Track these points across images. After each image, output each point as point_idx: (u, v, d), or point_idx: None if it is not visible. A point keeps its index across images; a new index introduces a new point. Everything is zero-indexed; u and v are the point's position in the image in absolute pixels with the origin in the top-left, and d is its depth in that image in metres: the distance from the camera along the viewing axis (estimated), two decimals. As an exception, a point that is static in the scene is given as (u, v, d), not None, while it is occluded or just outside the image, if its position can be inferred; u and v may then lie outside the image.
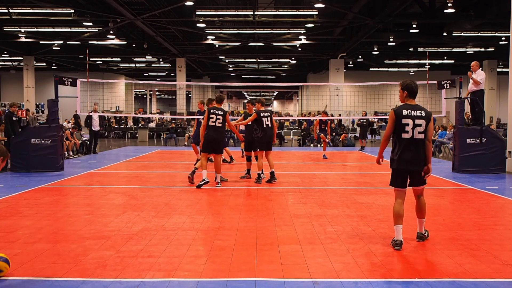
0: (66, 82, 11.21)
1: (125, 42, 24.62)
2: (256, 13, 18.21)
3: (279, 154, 15.51)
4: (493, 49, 25.80)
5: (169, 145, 20.48)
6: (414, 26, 19.36)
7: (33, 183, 8.87)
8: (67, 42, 24.30)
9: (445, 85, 11.56)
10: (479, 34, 21.94)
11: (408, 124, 4.61)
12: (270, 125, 9.11)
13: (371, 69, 34.03)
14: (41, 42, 25.05)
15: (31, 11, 18.34)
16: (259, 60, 32.50)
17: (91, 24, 20.74)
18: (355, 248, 4.66)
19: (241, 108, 64.18)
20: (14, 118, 11.37)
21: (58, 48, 26.34)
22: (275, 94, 63.75)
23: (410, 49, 25.43)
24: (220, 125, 8.50)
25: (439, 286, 3.67)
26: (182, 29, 22.31)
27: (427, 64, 25.24)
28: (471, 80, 11.16)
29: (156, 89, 50.93)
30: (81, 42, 24.35)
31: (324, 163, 13.22)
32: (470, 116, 12.58)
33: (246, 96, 65.17)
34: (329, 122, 14.56)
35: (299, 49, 26.49)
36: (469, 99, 11.31)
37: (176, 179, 9.81)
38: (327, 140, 14.72)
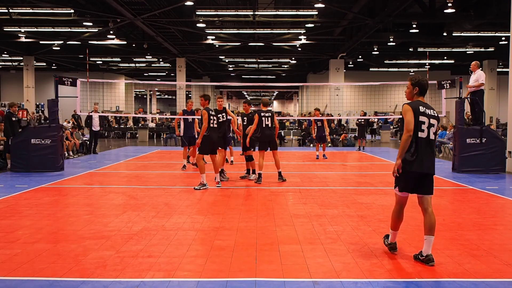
0: (66, 82, 11.21)
1: (125, 42, 24.61)
2: (256, 13, 18.20)
3: (279, 154, 15.50)
4: (493, 49, 25.79)
5: (169, 145, 20.48)
6: (414, 26, 19.35)
7: (33, 183, 8.87)
8: (67, 42, 24.29)
9: (445, 85, 11.56)
10: (479, 34, 21.93)
11: (424, 122, 4.21)
12: (270, 125, 9.14)
13: (371, 69, 34.02)
14: (41, 42, 25.04)
15: (31, 11, 18.33)
16: (259, 60, 32.49)
17: (91, 24, 20.73)
18: (355, 248, 4.66)
19: (241, 108, 64.20)
20: (14, 119, 11.37)
21: (58, 48, 26.33)
22: (275, 94, 63.74)
23: (410, 49, 25.42)
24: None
25: (439, 286, 3.68)
26: (182, 29, 22.30)
27: (427, 64, 25.24)
28: (471, 79, 11.17)
29: (156, 89, 50.91)
30: (81, 42, 24.34)
31: (324, 163, 13.22)
32: (471, 116, 12.59)
33: (246, 96, 65.16)
34: (325, 120, 14.57)
35: (299, 49, 26.48)
36: (469, 99, 11.32)
37: (176, 179, 9.81)
38: (325, 145, 14.78)
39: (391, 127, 28.23)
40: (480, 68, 11.30)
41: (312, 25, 20.67)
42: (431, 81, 12.48)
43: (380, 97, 28.64)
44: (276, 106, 70.77)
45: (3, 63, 34.53)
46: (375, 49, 25.21)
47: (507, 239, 5.12)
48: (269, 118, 9.12)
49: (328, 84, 26.83)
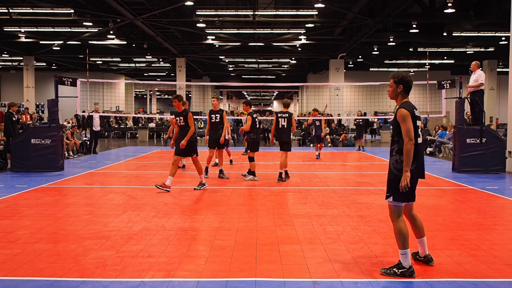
0: (66, 82, 11.21)
1: (125, 42, 24.61)
2: (256, 13, 18.20)
3: (279, 154, 15.50)
4: (493, 49, 25.79)
5: (169, 145, 20.46)
6: (414, 26, 19.35)
7: (33, 183, 8.87)
8: (67, 42, 24.29)
9: (445, 85, 11.56)
10: (479, 34, 21.93)
11: (419, 127, 3.96)
12: (286, 126, 9.32)
13: (371, 69, 34.02)
14: (41, 42, 25.04)
15: (31, 11, 18.32)
16: (259, 60, 32.48)
17: (91, 24, 20.73)
18: (355, 248, 4.66)
19: (241, 108, 64.21)
20: (14, 118, 11.37)
21: (58, 48, 26.33)
22: (275, 94, 63.73)
23: (410, 49, 25.42)
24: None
25: (439, 286, 3.67)
26: (182, 29, 22.30)
27: (427, 64, 25.24)
28: (471, 79, 11.18)
29: (156, 89, 50.90)
30: (81, 42, 24.34)
31: (324, 163, 13.23)
32: (471, 116, 12.60)
33: (246, 96, 65.15)
34: (323, 120, 14.61)
35: (299, 49, 26.48)
36: (469, 99, 11.33)
37: (176, 179, 9.80)
38: (323, 144, 14.84)
39: (391, 127, 28.22)
40: (480, 68, 11.30)
41: (312, 25, 20.67)
42: (431, 81, 12.57)
43: (380, 97, 28.59)
44: (276, 106, 70.80)
45: (3, 63, 34.52)
46: (375, 49, 25.20)
47: (507, 239, 5.12)
48: (286, 119, 9.29)
49: (328, 84, 26.83)
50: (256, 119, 9.62)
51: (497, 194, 7.88)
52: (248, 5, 18.69)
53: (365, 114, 27.37)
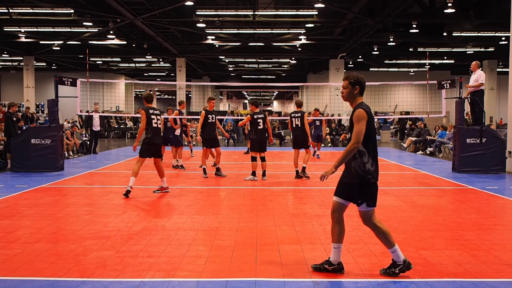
0: (66, 82, 11.21)
1: (125, 42, 24.60)
2: (256, 13, 18.19)
3: (279, 154, 15.51)
4: (493, 49, 25.78)
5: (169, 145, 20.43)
6: (414, 26, 19.34)
7: (33, 183, 8.87)
8: (67, 42, 24.28)
9: (445, 85, 11.56)
10: (479, 34, 21.92)
11: (375, 128, 3.88)
12: (300, 125, 9.60)
13: (371, 69, 34.01)
14: (41, 42, 25.02)
15: (31, 11, 18.31)
16: (259, 60, 32.47)
17: (91, 24, 20.72)
18: (355, 248, 4.66)
19: (241, 108, 64.19)
20: (14, 118, 11.37)
21: (58, 48, 26.32)
22: (275, 94, 63.72)
23: (410, 49, 25.41)
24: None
25: (439, 286, 3.67)
26: (182, 29, 22.29)
27: (427, 64, 25.23)
28: (471, 79, 11.19)
29: (156, 89, 50.90)
30: (81, 42, 24.33)
31: (324, 163, 13.22)
32: (471, 116, 12.61)
33: (246, 96, 65.14)
34: (324, 120, 14.64)
35: (299, 49, 26.47)
36: (469, 99, 11.33)
37: (176, 179, 9.81)
38: (321, 144, 14.92)
39: (391, 127, 28.24)
40: (480, 68, 11.31)
41: (312, 25, 20.66)
42: (431, 81, 12.56)
43: (380, 97, 28.60)
44: (276, 106, 70.81)
45: (3, 63, 34.52)
46: (375, 49, 25.19)
47: (507, 239, 5.12)
48: (299, 119, 9.60)
49: (328, 84, 26.82)
50: (258, 119, 9.51)
51: (497, 194, 7.88)
52: (248, 5, 18.68)
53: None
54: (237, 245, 4.77)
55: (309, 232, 5.30)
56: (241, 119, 13.38)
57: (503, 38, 22.20)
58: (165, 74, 40.42)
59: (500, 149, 10.78)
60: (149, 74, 41.11)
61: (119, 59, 32.16)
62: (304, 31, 21.33)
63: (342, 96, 4.01)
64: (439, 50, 26.90)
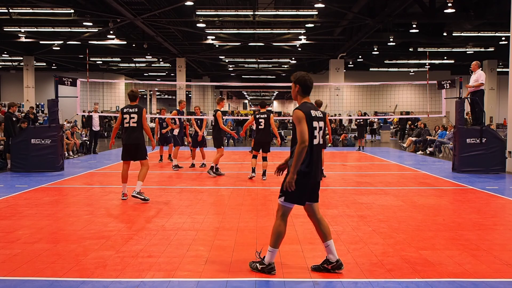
0: (66, 82, 11.21)
1: (125, 42, 24.60)
2: (256, 13, 18.19)
3: (279, 154, 15.51)
4: (493, 49, 25.78)
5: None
6: (414, 26, 19.35)
7: (33, 183, 8.87)
8: (67, 42, 24.28)
9: (445, 85, 11.56)
10: (479, 34, 21.92)
11: (316, 128, 3.83)
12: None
13: (371, 69, 34.02)
14: (41, 42, 25.02)
15: (31, 11, 18.31)
16: (259, 60, 32.46)
17: (91, 24, 20.72)
18: (355, 248, 4.66)
19: (241, 108, 64.18)
20: (14, 118, 11.37)
21: (58, 48, 26.32)
22: (275, 94, 63.71)
23: (410, 49, 25.41)
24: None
25: (439, 286, 3.67)
26: (182, 29, 22.29)
27: (427, 64, 25.23)
28: (471, 79, 11.19)
29: (156, 89, 50.86)
30: (81, 42, 24.33)
31: (324, 163, 13.20)
32: (471, 116, 12.61)
33: (246, 96, 65.12)
34: (327, 120, 14.65)
35: (299, 49, 26.47)
36: (469, 99, 11.33)
37: (176, 179, 9.82)
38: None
39: (391, 127, 28.23)
40: (480, 68, 11.31)
41: (312, 25, 20.66)
42: (431, 81, 12.56)
43: (380, 97, 28.60)
44: (276, 106, 70.78)
45: (3, 63, 34.51)
46: (375, 49, 25.20)
47: (507, 239, 5.12)
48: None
49: (328, 84, 26.82)
50: (260, 119, 9.52)
51: (497, 194, 7.88)
52: (248, 5, 18.68)
53: (365, 114, 27.38)
54: (237, 245, 4.77)
55: (309, 232, 5.30)
56: (245, 119, 13.39)
57: (503, 38, 22.20)
58: (165, 74, 40.42)
59: (500, 149, 10.78)
60: (149, 74, 41.11)
61: (119, 59, 32.15)
62: (304, 31, 21.33)
63: (292, 95, 4.03)
64: (439, 50, 26.90)
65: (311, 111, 3.83)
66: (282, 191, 3.86)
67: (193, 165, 11.67)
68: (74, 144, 14.88)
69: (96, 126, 15.76)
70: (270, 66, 35.65)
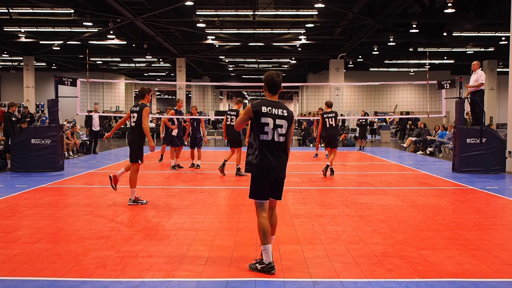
0: (66, 82, 11.21)
1: (125, 42, 24.60)
2: (256, 13, 18.19)
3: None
4: (493, 49, 25.78)
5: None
6: (414, 26, 19.34)
7: (33, 183, 8.87)
8: (67, 42, 24.28)
9: (445, 85, 11.56)
10: (479, 34, 21.92)
11: (268, 124, 3.90)
12: (334, 125, 10.17)
13: (371, 69, 34.02)
14: (41, 42, 25.02)
15: (31, 11, 18.31)
16: (259, 60, 32.46)
17: (91, 24, 20.72)
18: (355, 248, 4.65)
19: (242, 109, 64.04)
20: (13, 118, 11.37)
21: (58, 48, 26.31)
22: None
23: (410, 49, 25.41)
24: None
25: (439, 286, 3.67)
26: (182, 29, 22.29)
27: (427, 64, 25.23)
28: (471, 79, 11.19)
29: (156, 89, 50.88)
30: (81, 42, 24.32)
31: (324, 163, 13.20)
32: (471, 116, 12.60)
33: (246, 96, 65.08)
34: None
35: (299, 49, 26.47)
36: (469, 99, 11.33)
37: (176, 179, 9.82)
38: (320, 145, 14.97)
39: (391, 127, 28.23)
40: (481, 68, 11.32)
41: (312, 25, 20.65)
42: (431, 81, 12.56)
43: (380, 97, 28.60)
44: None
45: (3, 63, 34.51)
46: (375, 49, 25.19)
47: (507, 239, 5.12)
48: (333, 119, 10.10)
49: (328, 84, 26.82)
50: None
51: (497, 194, 7.88)
52: (248, 5, 18.68)
53: (366, 114, 27.36)
54: (237, 245, 4.77)
55: (309, 232, 5.30)
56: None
57: (503, 38, 22.19)
58: (165, 74, 40.41)
59: (500, 149, 10.78)
60: (149, 74, 41.11)
61: (119, 59, 32.15)
62: (304, 31, 21.33)
63: None
64: (439, 50, 26.90)
65: (263, 107, 3.94)
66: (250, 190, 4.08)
67: (193, 165, 11.67)
68: (74, 144, 14.88)
69: (96, 126, 15.76)
70: (270, 66, 35.63)
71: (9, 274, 3.85)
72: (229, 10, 18.63)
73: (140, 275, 3.85)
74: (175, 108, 11.87)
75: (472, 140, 10.62)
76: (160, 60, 31.89)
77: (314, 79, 35.64)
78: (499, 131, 15.80)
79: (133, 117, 6.93)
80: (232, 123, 10.24)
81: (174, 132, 11.55)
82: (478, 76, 11.04)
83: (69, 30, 21.90)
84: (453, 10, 16.22)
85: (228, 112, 10.53)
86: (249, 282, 3.72)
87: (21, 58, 29.74)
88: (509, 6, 11.04)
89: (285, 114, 3.98)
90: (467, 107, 12.22)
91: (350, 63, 31.69)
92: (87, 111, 15.84)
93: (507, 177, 10.19)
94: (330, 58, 27.01)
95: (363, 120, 18.69)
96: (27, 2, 17.82)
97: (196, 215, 6.19)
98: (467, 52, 27.50)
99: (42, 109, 32.91)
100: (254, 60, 32.22)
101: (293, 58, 30.93)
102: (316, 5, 16.94)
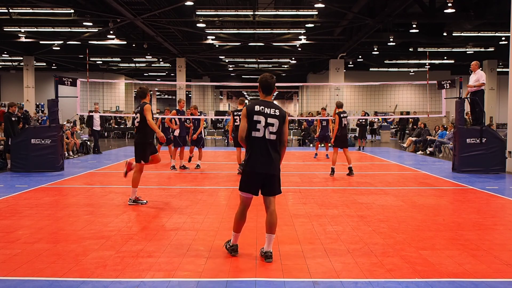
0: (66, 82, 11.21)
1: (125, 42, 24.60)
2: (256, 13, 18.19)
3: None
4: (493, 49, 25.78)
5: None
6: (414, 26, 19.35)
7: (33, 183, 8.87)
8: (67, 42, 24.28)
9: (445, 85, 11.56)
10: (479, 34, 21.92)
11: (259, 122, 4.17)
12: (347, 125, 10.53)
13: (371, 69, 34.01)
14: (41, 42, 25.02)
15: (31, 11, 18.30)
16: (259, 60, 32.45)
17: (91, 24, 20.72)
18: (355, 248, 4.65)
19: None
20: (13, 118, 11.37)
21: (58, 48, 26.32)
22: (275, 94, 63.67)
23: (410, 49, 25.42)
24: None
25: (439, 286, 3.67)
26: (182, 29, 22.29)
27: (427, 64, 25.24)
28: (471, 79, 11.18)
29: (156, 89, 50.89)
30: (81, 42, 24.32)
31: (324, 163, 13.22)
32: (471, 116, 12.60)
33: (246, 96, 65.09)
34: (330, 119, 14.71)
35: (299, 49, 26.47)
36: (469, 99, 11.33)
37: (176, 179, 9.82)
38: (328, 144, 14.98)
39: (391, 127, 28.23)
40: (480, 68, 11.31)
41: (312, 25, 20.65)
42: (431, 81, 12.56)
43: (380, 97, 28.60)
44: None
45: (3, 63, 34.51)
46: (375, 49, 25.19)
47: (507, 239, 5.12)
48: (346, 118, 10.42)
49: (328, 84, 26.82)
50: None
51: (497, 194, 7.88)
52: (248, 5, 18.68)
53: (366, 114, 27.34)
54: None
55: (309, 232, 5.30)
56: None
57: (503, 38, 22.19)
58: (165, 74, 40.42)
59: (500, 149, 10.78)
60: (149, 74, 41.11)
61: (119, 59, 32.15)
62: (304, 31, 21.33)
63: None
64: (439, 50, 26.90)
65: (256, 106, 4.22)
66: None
67: (190, 159, 11.73)
68: (74, 144, 14.88)
69: (97, 126, 15.82)
70: (270, 66, 35.64)
71: (9, 274, 3.85)
72: (229, 10, 18.63)
73: (140, 275, 3.85)
74: (177, 108, 11.86)
75: (472, 140, 10.62)
76: (160, 60, 31.89)
77: (314, 79, 35.64)
78: (499, 131, 15.80)
79: (137, 117, 7.00)
80: (239, 123, 10.20)
81: (176, 132, 11.53)
82: (479, 76, 11.04)
83: (69, 30, 21.90)
84: (453, 10, 16.22)
85: (235, 113, 10.55)
86: (249, 282, 3.72)
87: (21, 58, 29.74)
88: (509, 6, 11.04)
89: (277, 113, 4.22)
90: (467, 107, 12.22)
91: (350, 63, 31.69)
92: (88, 111, 15.83)
93: (507, 177, 10.19)
94: (330, 58, 27.01)
95: (363, 120, 18.68)
96: (27, 2, 17.81)
97: (196, 215, 6.20)
98: (467, 52, 27.50)
99: (42, 109, 32.91)
100: (254, 60, 32.22)
101: (293, 58, 30.93)
102: (316, 5, 16.94)
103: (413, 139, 17.83)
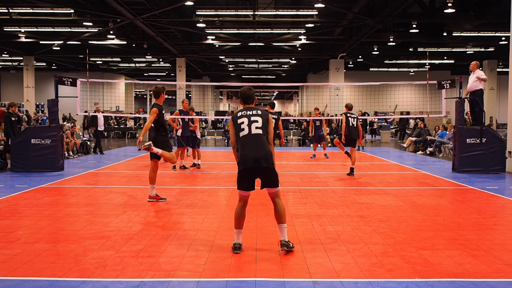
0: (66, 82, 11.21)
1: (125, 42, 24.60)
2: (256, 13, 18.19)
3: (279, 154, 15.51)
4: (493, 49, 25.78)
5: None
6: (414, 26, 19.34)
7: (33, 183, 8.87)
8: (67, 42, 24.28)
9: (445, 85, 11.56)
10: (479, 34, 21.92)
11: (243, 123, 4.53)
12: (355, 125, 10.47)
13: (371, 69, 34.01)
14: (41, 42, 25.01)
15: (31, 11, 18.31)
16: (259, 60, 32.45)
17: (91, 24, 20.72)
18: (355, 248, 4.66)
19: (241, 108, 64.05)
20: (13, 118, 11.37)
21: (58, 48, 26.32)
22: (275, 94, 63.71)
23: (410, 49, 25.42)
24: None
25: (439, 286, 3.67)
26: (182, 29, 22.29)
27: (427, 64, 25.23)
28: (470, 79, 11.17)
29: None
30: (81, 42, 24.33)
31: (324, 163, 13.22)
32: (471, 116, 12.59)
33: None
34: (323, 120, 14.78)
35: (299, 49, 26.47)
36: (468, 99, 11.32)
37: (176, 179, 9.82)
38: (325, 143, 15.05)
39: (391, 127, 28.23)
40: (480, 68, 11.31)
41: (312, 25, 20.65)
42: (431, 81, 12.55)
43: (380, 97, 28.58)
44: (276, 106, 70.71)
45: (3, 63, 34.51)
46: (375, 49, 25.19)
47: (507, 239, 5.12)
48: (355, 119, 10.50)
49: (328, 84, 26.82)
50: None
51: (497, 194, 7.88)
52: (248, 5, 18.68)
53: (365, 114, 27.33)
54: (237, 245, 4.76)
55: (309, 232, 5.30)
56: None
57: (503, 38, 22.19)
58: (165, 74, 40.41)
59: (500, 149, 10.78)
60: (149, 74, 41.10)
61: (119, 59, 32.15)
62: (304, 31, 21.33)
63: None
64: (439, 50, 26.90)
65: (239, 113, 4.62)
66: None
67: (196, 165, 11.64)
68: (74, 144, 14.88)
69: (101, 126, 15.88)
70: (270, 66, 35.65)
71: (9, 274, 3.85)
72: (229, 10, 18.63)
73: (140, 275, 3.85)
74: (180, 108, 11.84)
75: (472, 140, 10.62)
76: (160, 60, 31.89)
77: (314, 79, 35.64)
78: (499, 131, 15.79)
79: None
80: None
81: (179, 133, 11.51)
82: (479, 75, 11.02)
83: (69, 30, 21.90)
84: (453, 10, 16.22)
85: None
86: (249, 282, 3.72)
87: (21, 58, 29.74)
88: (509, 6, 11.04)
89: (259, 113, 4.58)
90: (467, 107, 12.22)
91: (350, 63, 31.69)
92: (91, 111, 15.84)
93: (507, 177, 10.19)
94: (330, 58, 27.02)
95: (361, 120, 18.69)
96: (27, 2, 17.81)
97: (196, 215, 6.20)
98: (467, 52, 27.50)
99: (42, 109, 32.91)
100: (254, 60, 32.22)
101: (293, 58, 30.93)
102: (316, 5, 16.95)
103: (413, 139, 17.83)
